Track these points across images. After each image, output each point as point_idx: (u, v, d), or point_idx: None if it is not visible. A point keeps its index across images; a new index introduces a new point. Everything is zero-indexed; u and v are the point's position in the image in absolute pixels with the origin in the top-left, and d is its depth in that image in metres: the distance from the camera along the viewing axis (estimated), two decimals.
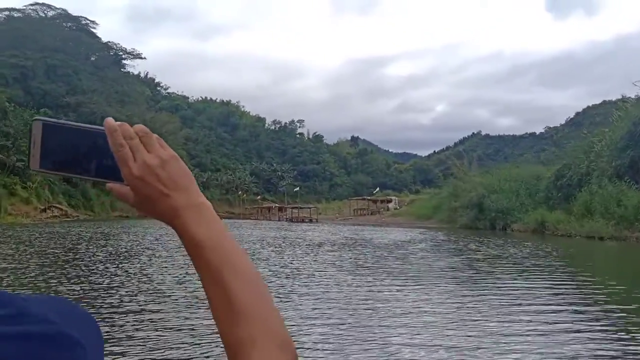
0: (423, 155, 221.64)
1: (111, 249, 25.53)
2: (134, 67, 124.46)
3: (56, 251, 23.92)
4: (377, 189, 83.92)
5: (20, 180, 74.25)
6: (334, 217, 72.48)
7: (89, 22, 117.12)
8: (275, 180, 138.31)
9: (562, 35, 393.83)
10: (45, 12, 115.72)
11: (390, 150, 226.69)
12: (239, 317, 0.76)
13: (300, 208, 75.01)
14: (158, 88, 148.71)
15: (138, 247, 27.13)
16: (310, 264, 20.50)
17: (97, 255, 22.21)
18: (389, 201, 70.39)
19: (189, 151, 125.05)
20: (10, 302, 0.57)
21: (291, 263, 20.62)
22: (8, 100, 78.84)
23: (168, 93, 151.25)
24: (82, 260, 20.44)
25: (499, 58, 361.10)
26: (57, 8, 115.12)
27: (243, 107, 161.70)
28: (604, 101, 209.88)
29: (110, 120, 0.82)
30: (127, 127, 0.81)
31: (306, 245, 29.32)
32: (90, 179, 0.83)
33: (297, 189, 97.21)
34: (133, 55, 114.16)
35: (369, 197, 77.37)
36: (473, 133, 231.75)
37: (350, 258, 22.79)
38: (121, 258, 21.52)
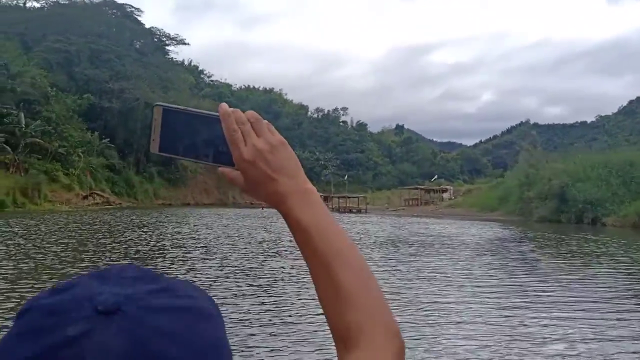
0: (468, 145, 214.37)
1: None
2: (177, 53, 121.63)
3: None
4: (435, 176, 77.84)
5: (62, 167, 71.82)
6: (383, 208, 67.82)
7: (133, 9, 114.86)
8: (318, 170, 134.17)
9: (616, 21, 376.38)
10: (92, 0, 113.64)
11: (434, 140, 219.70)
12: (347, 303, 0.76)
13: (348, 197, 70.42)
14: (202, 76, 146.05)
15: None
16: (406, 277, 15.65)
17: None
18: (444, 191, 65.16)
19: None
20: (157, 278, 0.61)
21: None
22: (51, 86, 76.48)
23: (211, 81, 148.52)
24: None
25: (547, 45, 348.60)
26: None
27: (286, 95, 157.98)
28: None
29: (224, 105, 0.84)
30: (239, 113, 0.84)
31: (376, 243, 24.98)
32: (204, 163, 0.85)
33: (345, 177, 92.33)
34: (177, 41, 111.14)
35: (422, 187, 72.16)
36: (521, 122, 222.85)
37: (461, 267, 17.52)
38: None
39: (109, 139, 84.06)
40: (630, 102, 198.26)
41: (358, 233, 29.91)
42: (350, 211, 64.41)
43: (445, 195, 64.06)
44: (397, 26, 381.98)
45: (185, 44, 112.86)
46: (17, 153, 62.56)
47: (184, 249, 20.52)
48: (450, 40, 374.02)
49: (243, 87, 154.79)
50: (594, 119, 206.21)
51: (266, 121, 0.85)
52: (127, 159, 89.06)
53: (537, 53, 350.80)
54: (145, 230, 28.87)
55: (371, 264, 15.26)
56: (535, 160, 53.55)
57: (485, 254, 20.85)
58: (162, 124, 0.85)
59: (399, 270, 15.94)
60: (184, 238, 24.59)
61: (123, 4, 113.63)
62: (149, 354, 0.53)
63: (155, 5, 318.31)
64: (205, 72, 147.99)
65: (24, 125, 63.21)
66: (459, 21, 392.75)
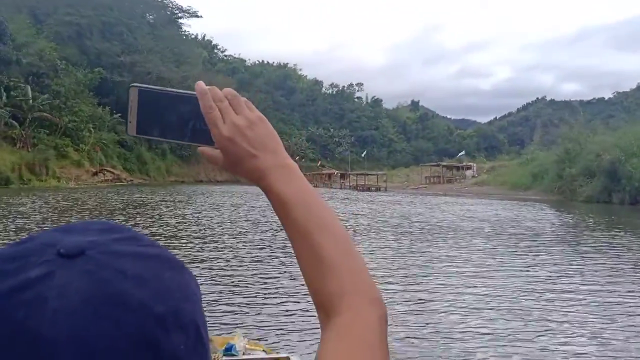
0: (483, 122, 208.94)
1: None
2: (190, 26, 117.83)
3: None
4: (463, 152, 73.38)
5: (72, 142, 68.99)
6: (403, 185, 64.22)
7: None
8: (333, 147, 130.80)
9: None
10: None
11: (448, 117, 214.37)
12: (328, 271, 0.76)
13: (367, 175, 66.60)
14: (215, 51, 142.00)
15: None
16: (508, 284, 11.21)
17: None
18: (468, 168, 61.23)
19: None
20: (124, 229, 0.60)
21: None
22: (60, 59, 73.17)
23: (225, 56, 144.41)
24: None
25: (565, 21, 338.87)
26: None
27: (300, 70, 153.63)
28: None
29: (200, 83, 0.83)
30: (216, 91, 0.83)
31: (424, 229, 21.38)
32: (183, 143, 0.84)
33: (364, 154, 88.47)
34: (189, 13, 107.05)
35: (444, 164, 68.26)
36: (537, 98, 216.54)
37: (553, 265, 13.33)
38: None
39: (120, 114, 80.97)
40: None
41: (394, 216, 26.04)
42: (369, 189, 60.84)
43: (468, 172, 60.23)
44: (415, 2, 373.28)
45: (198, 16, 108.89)
46: (25, 128, 59.65)
47: (176, 238, 17.18)
48: (467, 16, 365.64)
49: (257, 62, 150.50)
50: (611, 96, 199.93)
51: (244, 98, 0.85)
52: None
53: (555, 29, 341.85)
54: (142, 210, 25.65)
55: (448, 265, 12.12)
56: (577, 133, 48.55)
57: (557, 244, 17.15)
58: (139, 105, 0.83)
59: (490, 273, 12.23)
60: (180, 223, 21.29)
61: None
62: (112, 295, 0.51)
63: None
64: (219, 47, 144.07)
65: (31, 99, 60.04)
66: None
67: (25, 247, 0.54)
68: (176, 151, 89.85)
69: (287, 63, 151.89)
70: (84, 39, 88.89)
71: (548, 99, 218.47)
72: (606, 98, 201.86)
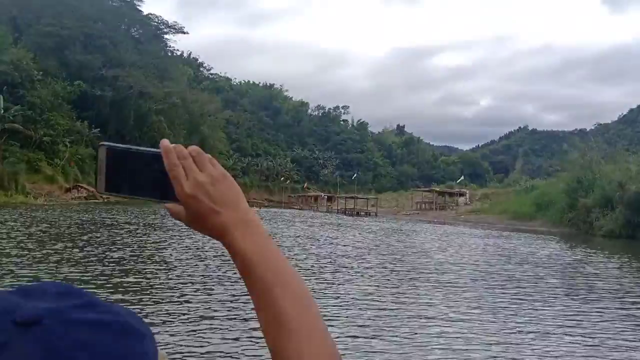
0: (465, 149, 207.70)
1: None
2: (176, 42, 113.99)
3: None
4: (462, 177, 69.44)
5: (45, 156, 64.65)
6: (392, 211, 60.78)
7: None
8: (317, 169, 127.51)
9: (618, 29, 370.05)
10: None
11: (431, 143, 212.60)
12: (288, 332, 0.75)
13: (357, 198, 62.98)
14: (201, 69, 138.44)
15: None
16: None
17: None
18: (461, 194, 57.93)
19: (229, 134, 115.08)
20: (80, 293, 0.58)
21: None
22: (39, 70, 69.17)
23: (211, 74, 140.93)
24: None
25: (549, 52, 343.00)
26: None
27: (286, 91, 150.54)
28: None
29: (165, 141, 0.83)
30: (181, 148, 0.83)
31: (447, 274, 15.87)
32: (152, 200, 0.85)
33: (354, 177, 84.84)
34: (175, 29, 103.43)
35: (436, 189, 64.83)
36: (519, 127, 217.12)
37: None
38: None
39: (99, 129, 76.98)
40: (631, 110, 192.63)
41: (407, 252, 21.08)
42: (358, 214, 57.27)
43: (461, 199, 57.00)
44: (400, 28, 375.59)
45: (184, 32, 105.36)
46: None
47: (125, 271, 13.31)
48: (452, 44, 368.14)
49: (243, 82, 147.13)
50: (592, 127, 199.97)
51: (208, 155, 0.84)
52: None
53: (539, 59, 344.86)
54: (95, 234, 21.67)
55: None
56: (589, 160, 44.82)
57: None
58: (107, 163, 0.83)
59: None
60: (134, 250, 17.46)
61: None
62: None
63: (157, 1, 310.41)
64: (204, 65, 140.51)
65: (2, 109, 55.78)
66: (461, 25, 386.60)
67: None
68: None
69: (274, 84, 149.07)
70: (64, 51, 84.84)
71: (530, 128, 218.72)
72: (587, 129, 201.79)
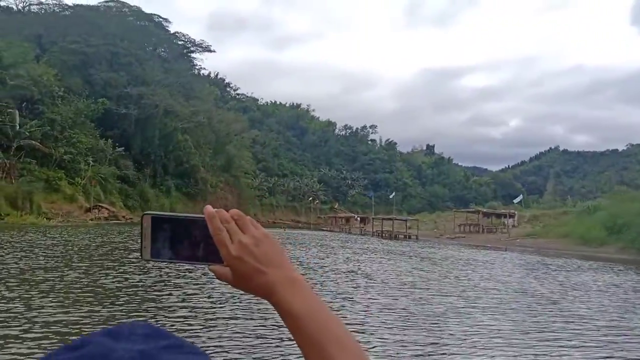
0: (494, 170, 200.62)
1: None
2: (202, 61, 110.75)
3: None
4: (521, 196, 62.87)
5: (66, 175, 60.89)
6: (434, 234, 55.26)
7: (162, 19, 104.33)
8: (345, 189, 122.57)
9: None
10: (119, 9, 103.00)
11: (459, 164, 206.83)
12: None
13: (395, 220, 57.50)
14: (228, 89, 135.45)
15: None
16: None
17: None
18: (511, 216, 52.29)
19: (255, 154, 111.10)
20: (167, 335, 0.61)
21: None
22: (61, 87, 66.02)
23: (237, 94, 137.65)
24: None
25: (578, 73, 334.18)
26: (131, 6, 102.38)
27: (313, 111, 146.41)
28: None
29: (209, 207, 0.86)
30: (223, 213, 0.85)
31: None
32: (196, 264, 0.88)
33: (391, 195, 79.20)
34: (202, 48, 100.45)
35: (483, 210, 58.88)
36: (550, 148, 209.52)
37: None
38: None
39: (123, 148, 73.45)
40: None
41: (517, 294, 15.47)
42: (396, 237, 51.84)
43: (509, 221, 51.42)
44: (427, 49, 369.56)
45: (211, 51, 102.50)
46: (9, 156, 51.49)
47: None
48: (480, 64, 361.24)
49: (269, 102, 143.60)
50: (624, 147, 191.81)
51: (249, 217, 0.87)
52: (143, 170, 78.04)
53: (568, 80, 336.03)
54: (98, 258, 16.97)
55: None
56: None
57: None
58: (152, 231, 0.87)
59: None
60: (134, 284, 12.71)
61: (151, 14, 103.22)
62: None
63: (187, 24, 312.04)
64: (231, 86, 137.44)
65: (18, 125, 52.06)
66: (489, 46, 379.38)
67: (79, 355, 0.55)
68: (182, 188, 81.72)
69: (300, 104, 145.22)
70: (89, 69, 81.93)
71: (561, 148, 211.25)
72: (619, 150, 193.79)
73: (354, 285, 15.92)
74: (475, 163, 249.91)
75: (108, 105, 75.74)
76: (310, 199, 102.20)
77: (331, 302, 12.25)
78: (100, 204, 60.94)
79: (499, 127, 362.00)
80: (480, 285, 17.40)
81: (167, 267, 16.75)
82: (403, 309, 12.16)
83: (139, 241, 0.88)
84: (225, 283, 0.86)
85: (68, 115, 64.48)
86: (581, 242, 38.53)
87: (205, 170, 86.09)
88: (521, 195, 58.41)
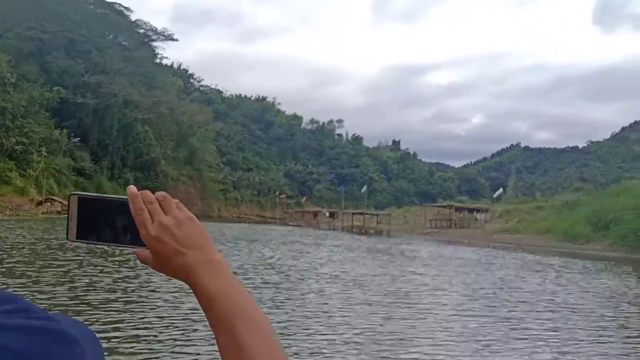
0: (457, 166, 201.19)
1: None
2: (164, 49, 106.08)
3: None
4: (501, 190, 60.46)
5: (17, 166, 56.77)
6: (405, 229, 53.13)
7: (122, 8, 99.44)
8: (311, 184, 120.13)
9: (609, 49, 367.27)
10: None
11: (424, 160, 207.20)
12: None
13: (366, 215, 55.06)
14: (191, 80, 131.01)
15: None
16: None
17: None
18: (485, 210, 50.37)
19: (220, 147, 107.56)
20: (15, 299, 0.58)
21: None
22: (13, 74, 61.58)
23: (201, 86, 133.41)
24: None
25: (541, 70, 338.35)
26: None
27: (279, 104, 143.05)
28: None
29: (131, 187, 0.84)
30: (147, 193, 0.84)
31: None
32: (122, 246, 0.85)
33: (364, 189, 76.60)
34: (165, 36, 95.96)
35: (457, 204, 56.94)
36: (512, 144, 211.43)
37: None
38: None
39: (79, 139, 69.22)
40: (623, 128, 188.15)
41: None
42: (366, 232, 49.58)
43: (480, 216, 49.61)
44: (393, 46, 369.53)
45: (173, 39, 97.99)
46: None
47: None
48: (444, 61, 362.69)
49: (234, 95, 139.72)
50: (585, 144, 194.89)
51: (176, 200, 0.84)
52: (101, 162, 73.87)
53: (531, 77, 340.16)
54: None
55: None
56: None
57: None
58: (78, 212, 0.84)
59: None
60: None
61: (112, 2, 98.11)
62: None
63: (151, 16, 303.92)
64: (195, 77, 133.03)
65: None
66: (454, 43, 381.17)
67: None
68: (141, 181, 77.80)
69: (266, 97, 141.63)
70: (45, 56, 77.13)
71: (522, 145, 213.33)
72: (580, 147, 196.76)
73: (349, 297, 12.91)
74: (438, 159, 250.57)
75: (64, 94, 71.41)
76: (277, 192, 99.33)
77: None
78: (52, 197, 56.90)
79: (462, 123, 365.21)
80: (515, 297, 14.15)
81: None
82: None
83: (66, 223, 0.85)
84: (148, 267, 0.84)
85: (20, 103, 60.21)
86: (564, 238, 36.83)
87: (167, 163, 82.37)
88: (501, 189, 56.40)
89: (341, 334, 8.86)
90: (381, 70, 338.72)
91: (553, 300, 14.03)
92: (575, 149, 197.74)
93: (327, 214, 65.99)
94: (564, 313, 12.23)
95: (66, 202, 0.75)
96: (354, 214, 56.50)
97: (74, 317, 0.65)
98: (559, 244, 35.91)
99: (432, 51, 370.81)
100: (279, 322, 9.23)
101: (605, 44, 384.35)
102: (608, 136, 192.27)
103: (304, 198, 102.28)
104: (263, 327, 0.78)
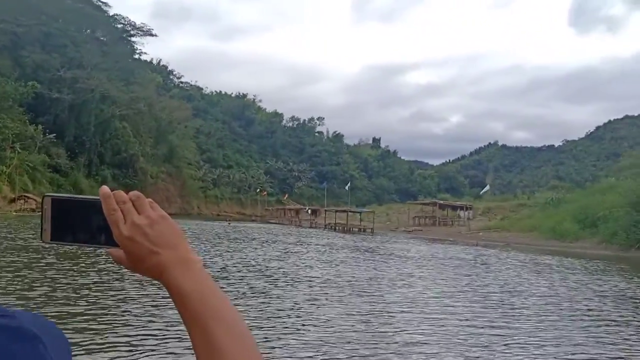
0: (435, 165, 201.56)
1: None
2: (144, 44, 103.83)
3: None
4: (487, 187, 58.93)
5: None
6: (388, 226, 52.17)
7: (100, 3, 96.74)
8: (292, 181, 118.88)
9: (584, 50, 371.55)
10: None
11: (403, 158, 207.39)
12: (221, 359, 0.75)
13: (350, 212, 53.82)
14: (171, 77, 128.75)
15: None
16: None
17: None
18: (469, 208, 49.58)
19: (200, 145, 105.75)
20: None
21: None
22: None
23: (181, 82, 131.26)
24: None
25: (518, 71, 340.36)
26: None
27: (260, 101, 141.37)
28: (627, 116, 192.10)
29: (104, 188, 0.83)
30: (120, 193, 0.82)
31: None
32: (97, 247, 0.84)
33: (348, 186, 75.33)
34: (143, 31, 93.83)
35: (440, 202, 55.93)
36: (490, 143, 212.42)
37: None
38: None
39: (55, 135, 67.12)
40: (598, 127, 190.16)
41: None
42: (349, 230, 48.56)
43: (462, 214, 48.88)
44: (373, 45, 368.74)
45: (152, 34, 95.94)
46: None
47: None
48: (423, 61, 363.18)
49: (215, 92, 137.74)
50: (561, 143, 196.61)
51: (149, 199, 0.83)
52: (77, 159, 71.68)
53: (508, 78, 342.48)
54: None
55: None
56: None
57: None
58: (52, 213, 0.83)
59: None
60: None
61: None
62: None
63: (130, 12, 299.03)
64: (174, 73, 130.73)
65: None
66: (433, 44, 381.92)
67: None
68: (119, 179, 75.89)
69: (246, 94, 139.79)
70: (19, 50, 74.72)
71: (500, 144, 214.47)
72: (556, 146, 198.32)
73: (347, 306, 11.35)
74: (417, 157, 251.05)
75: (39, 89, 69.23)
76: (258, 190, 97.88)
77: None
78: (26, 195, 54.99)
79: (440, 123, 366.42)
80: (536, 305, 12.73)
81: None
82: None
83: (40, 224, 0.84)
84: (122, 267, 0.83)
85: None
86: (551, 236, 36.13)
87: (146, 160, 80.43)
88: (487, 186, 55.37)
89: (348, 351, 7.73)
90: (361, 70, 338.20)
91: (578, 308, 12.67)
92: (551, 147, 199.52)
93: (309, 212, 64.89)
94: (610, 326, 10.70)
95: (40, 200, 0.78)
96: (337, 211, 55.42)
97: (36, 313, 0.64)
98: (547, 242, 35.23)
99: (411, 51, 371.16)
100: (267, 338, 8.10)
101: (581, 45, 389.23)
102: (583, 135, 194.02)
103: (286, 196, 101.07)
104: (238, 327, 0.78)
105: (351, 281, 15.33)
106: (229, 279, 14.17)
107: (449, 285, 15.53)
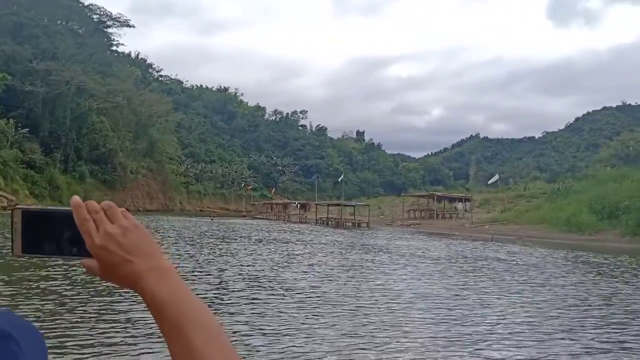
0: (418, 157, 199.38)
1: None
2: (121, 36, 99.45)
3: None
4: (497, 176, 54.44)
5: None
6: (383, 220, 49.01)
7: None
8: (276, 175, 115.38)
9: (562, 43, 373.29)
10: None
11: (386, 151, 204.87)
12: None
13: (344, 206, 50.28)
14: (150, 70, 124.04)
15: None
16: None
17: None
18: (467, 200, 46.57)
19: (181, 139, 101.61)
20: None
21: None
22: None
23: (161, 76, 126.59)
24: None
25: (497, 64, 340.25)
26: None
27: (242, 95, 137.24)
28: (605, 107, 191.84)
29: (75, 197, 0.81)
30: (92, 203, 0.80)
31: None
32: (69, 257, 0.82)
33: (341, 178, 71.90)
34: (120, 22, 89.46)
35: (438, 193, 52.77)
36: (471, 135, 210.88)
37: None
38: None
39: (28, 129, 62.83)
40: (577, 119, 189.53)
41: None
42: (343, 225, 45.35)
43: (459, 206, 45.92)
44: (355, 39, 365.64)
45: (130, 25, 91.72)
46: None
47: None
48: (405, 55, 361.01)
49: (195, 85, 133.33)
50: (540, 135, 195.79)
51: (122, 208, 0.81)
52: (53, 154, 67.33)
53: (488, 71, 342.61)
54: None
55: None
56: None
57: None
58: (23, 225, 0.81)
59: None
60: None
61: None
62: None
63: (109, 6, 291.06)
64: (154, 67, 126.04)
65: None
66: (414, 37, 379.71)
67: None
68: (98, 174, 71.76)
69: (228, 87, 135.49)
70: None
71: (482, 136, 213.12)
72: (536, 137, 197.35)
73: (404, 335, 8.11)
74: (400, 150, 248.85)
75: (10, 82, 64.88)
76: (242, 185, 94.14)
77: None
78: None
79: (422, 116, 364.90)
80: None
81: None
82: None
83: (10, 236, 0.82)
84: (95, 276, 0.81)
85: None
86: (567, 228, 33.09)
87: (125, 155, 76.25)
88: (497, 176, 51.76)
89: None
90: (343, 63, 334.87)
91: None
92: (531, 139, 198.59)
93: (298, 206, 61.57)
94: None
95: (11, 197, 0.79)
96: (329, 205, 52.09)
97: (12, 312, 0.63)
98: (564, 235, 32.15)
99: (393, 45, 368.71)
100: None
101: (559, 38, 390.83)
102: (562, 127, 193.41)
103: (272, 190, 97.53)
104: (216, 334, 0.76)
105: (383, 296, 11.57)
106: (227, 295, 10.64)
107: (541, 305, 11.32)
